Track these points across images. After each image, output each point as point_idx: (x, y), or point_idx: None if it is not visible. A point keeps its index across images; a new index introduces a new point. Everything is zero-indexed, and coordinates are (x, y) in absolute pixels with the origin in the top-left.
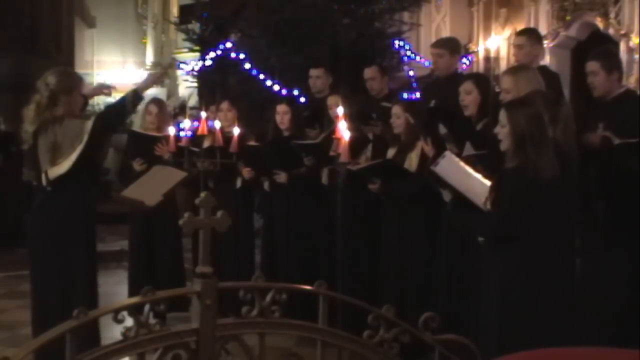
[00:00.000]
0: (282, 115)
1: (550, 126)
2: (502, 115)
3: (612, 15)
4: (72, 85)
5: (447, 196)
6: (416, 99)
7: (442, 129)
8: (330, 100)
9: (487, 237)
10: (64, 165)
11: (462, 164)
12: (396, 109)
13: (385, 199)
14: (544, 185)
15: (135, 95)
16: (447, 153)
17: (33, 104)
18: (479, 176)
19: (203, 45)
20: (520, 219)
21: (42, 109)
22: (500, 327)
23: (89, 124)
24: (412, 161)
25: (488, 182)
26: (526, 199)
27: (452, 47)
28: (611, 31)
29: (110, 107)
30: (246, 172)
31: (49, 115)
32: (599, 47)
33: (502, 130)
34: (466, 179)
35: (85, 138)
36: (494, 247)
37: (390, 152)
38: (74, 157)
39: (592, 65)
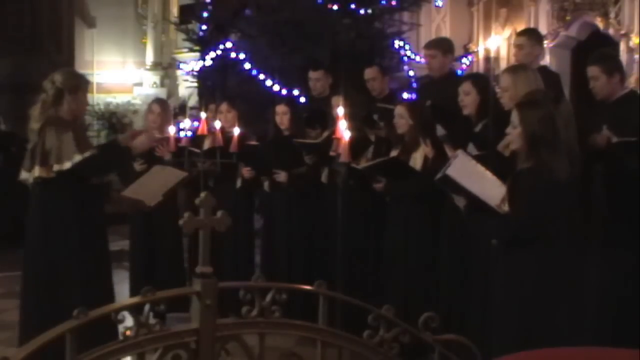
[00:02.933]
0: (282, 115)
1: None
2: (514, 117)
3: (612, 15)
4: (78, 84)
5: (460, 202)
6: (416, 99)
7: (440, 130)
8: (335, 100)
9: (507, 240)
10: (47, 173)
11: (474, 162)
12: (399, 110)
13: (389, 199)
14: (560, 186)
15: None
16: (460, 152)
17: (39, 103)
18: (490, 175)
19: (203, 45)
20: (539, 220)
21: (48, 106)
22: (518, 328)
23: (77, 158)
24: (416, 161)
25: (500, 181)
26: (543, 200)
27: (444, 47)
28: (611, 31)
29: (95, 160)
30: (246, 172)
31: (53, 113)
32: (597, 49)
33: (514, 132)
34: (480, 179)
35: (69, 166)
36: (512, 249)
37: (393, 153)
38: (56, 168)
39: (592, 70)
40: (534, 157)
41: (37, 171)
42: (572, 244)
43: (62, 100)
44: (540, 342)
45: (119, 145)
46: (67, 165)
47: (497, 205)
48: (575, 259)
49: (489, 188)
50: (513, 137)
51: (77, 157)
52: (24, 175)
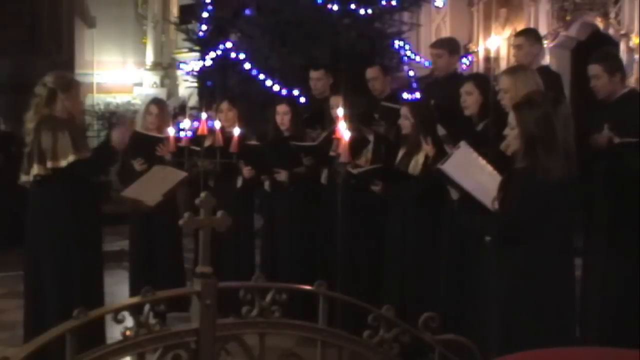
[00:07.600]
0: (283, 115)
1: None
2: (511, 117)
3: (612, 15)
4: (69, 83)
5: (454, 195)
6: (420, 98)
7: (441, 130)
8: (333, 100)
9: (494, 237)
10: (43, 170)
11: (475, 154)
12: (404, 110)
13: (388, 199)
14: (553, 187)
15: (109, 152)
16: (463, 143)
17: (32, 106)
18: (491, 169)
19: (203, 45)
20: (527, 220)
21: (41, 106)
22: (504, 327)
23: (72, 158)
24: (417, 163)
25: (499, 177)
26: (534, 200)
27: (450, 47)
28: (611, 31)
29: (89, 163)
30: (246, 171)
31: (47, 112)
32: (599, 49)
33: (512, 132)
34: (478, 172)
35: (65, 164)
36: (501, 247)
37: (401, 153)
38: (50, 165)
39: (594, 69)
40: (530, 157)
41: (35, 169)
42: (566, 244)
43: (56, 100)
44: (526, 341)
45: (111, 146)
46: (63, 163)
47: (490, 201)
48: (567, 259)
49: (487, 182)
50: (511, 138)
51: (72, 157)
52: (23, 178)
